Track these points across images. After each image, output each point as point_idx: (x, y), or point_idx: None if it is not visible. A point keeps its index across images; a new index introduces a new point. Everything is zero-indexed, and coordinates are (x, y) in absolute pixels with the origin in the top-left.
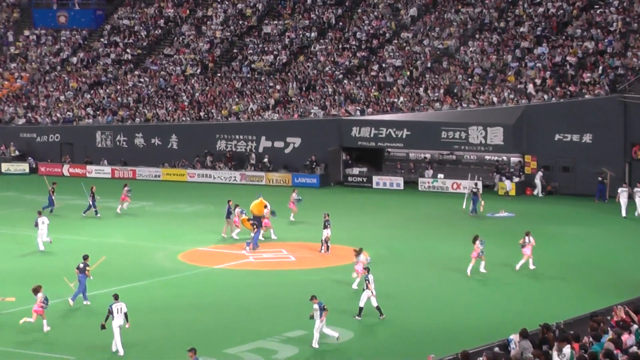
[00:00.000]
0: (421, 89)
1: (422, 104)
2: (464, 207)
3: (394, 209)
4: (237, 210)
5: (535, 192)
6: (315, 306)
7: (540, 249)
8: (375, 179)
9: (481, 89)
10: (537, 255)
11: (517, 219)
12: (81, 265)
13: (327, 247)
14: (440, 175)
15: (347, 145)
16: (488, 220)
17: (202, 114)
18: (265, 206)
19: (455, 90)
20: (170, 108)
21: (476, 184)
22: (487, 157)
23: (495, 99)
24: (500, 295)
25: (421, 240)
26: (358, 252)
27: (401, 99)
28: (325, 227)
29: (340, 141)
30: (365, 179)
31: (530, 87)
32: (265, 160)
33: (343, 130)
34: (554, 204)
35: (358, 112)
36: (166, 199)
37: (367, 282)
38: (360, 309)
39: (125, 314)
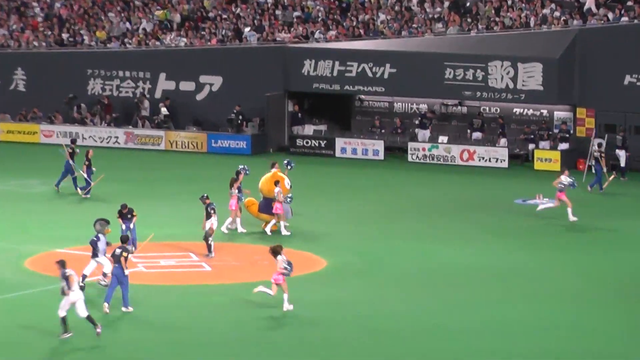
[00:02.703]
0: (414, 1)
1: (414, 25)
2: (583, 179)
3: (369, 192)
4: (234, 187)
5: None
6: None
7: (594, 256)
8: (339, 142)
9: (509, 1)
10: (591, 266)
11: (563, 209)
12: (117, 251)
13: (209, 246)
14: (443, 139)
15: (296, 90)
16: (517, 210)
17: (65, 36)
18: (277, 182)
19: (467, 4)
20: (14, 27)
21: (600, 145)
22: (518, 111)
23: (531, 18)
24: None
25: (411, 242)
26: None
27: (382, 16)
28: (208, 215)
29: (285, 83)
30: (324, 143)
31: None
32: (164, 110)
33: (289, 65)
34: (623, 186)
35: (314, 37)
36: (7, 171)
37: (62, 285)
38: (62, 320)
39: None
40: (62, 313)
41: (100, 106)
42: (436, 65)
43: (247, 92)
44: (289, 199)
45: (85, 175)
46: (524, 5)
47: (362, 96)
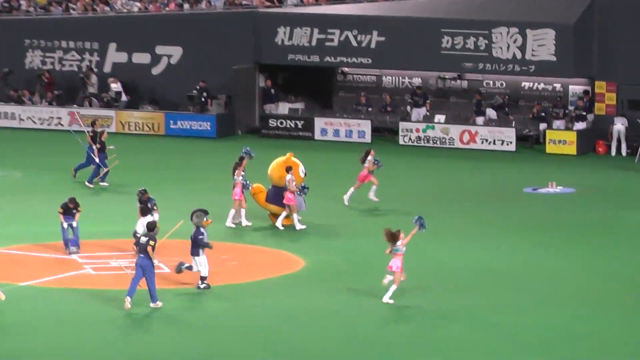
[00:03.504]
0: None
1: None
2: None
3: (354, 180)
4: (237, 174)
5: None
6: None
7: (617, 254)
8: (319, 123)
9: None
10: (614, 265)
11: (580, 199)
12: (143, 240)
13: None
14: (439, 118)
15: (269, 62)
16: (526, 200)
17: None
18: (289, 169)
19: None
20: None
21: None
22: (526, 85)
23: None
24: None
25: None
26: None
27: None
28: (146, 211)
29: (255, 54)
30: (301, 124)
31: None
32: (115, 86)
33: (260, 33)
34: None
35: (289, 1)
36: None
37: None
38: None
39: None
40: None
41: (40, 82)
42: (431, 32)
43: (212, 65)
44: (305, 191)
45: (98, 160)
46: None
47: (346, 69)
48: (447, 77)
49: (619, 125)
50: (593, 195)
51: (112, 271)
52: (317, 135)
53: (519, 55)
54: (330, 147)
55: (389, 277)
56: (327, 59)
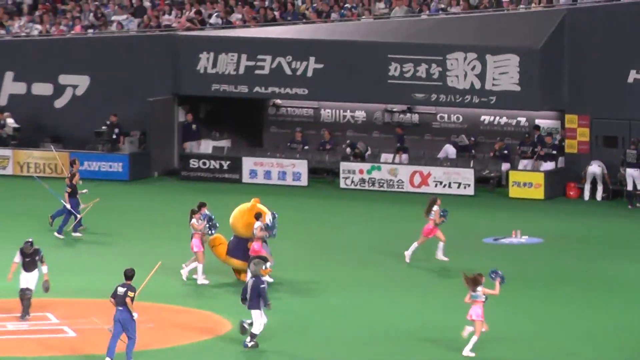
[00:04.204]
0: None
1: (348, 5)
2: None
3: (289, 230)
4: (195, 220)
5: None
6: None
7: (594, 313)
8: (248, 163)
9: None
10: (588, 326)
11: (548, 250)
12: (120, 291)
13: (26, 306)
14: (386, 157)
15: (189, 93)
16: (486, 252)
17: None
18: (258, 216)
19: None
20: None
21: None
22: (486, 119)
23: None
24: None
25: (345, 296)
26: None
27: None
28: (32, 265)
29: (175, 84)
30: (227, 165)
31: None
32: (12, 122)
33: (181, 59)
34: (625, 218)
35: (210, 22)
36: None
37: None
38: None
39: None
40: None
41: None
42: (377, 58)
43: (124, 97)
44: (273, 225)
45: (69, 206)
46: None
47: (278, 101)
48: (395, 110)
49: (595, 167)
50: (563, 245)
51: (8, 335)
52: (246, 178)
53: (477, 85)
54: (261, 191)
55: (468, 329)
56: (257, 89)
